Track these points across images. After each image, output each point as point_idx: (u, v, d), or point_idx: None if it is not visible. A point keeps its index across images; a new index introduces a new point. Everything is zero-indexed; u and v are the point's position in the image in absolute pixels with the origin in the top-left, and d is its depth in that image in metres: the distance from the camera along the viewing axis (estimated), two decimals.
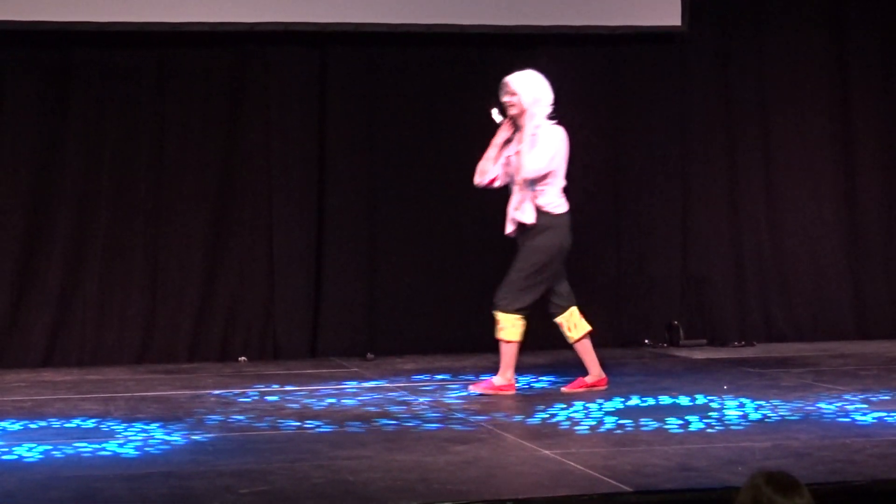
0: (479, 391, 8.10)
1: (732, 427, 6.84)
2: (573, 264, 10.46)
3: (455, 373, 9.04)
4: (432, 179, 10.21)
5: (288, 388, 8.46)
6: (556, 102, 8.17)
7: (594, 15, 10.30)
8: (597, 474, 5.68)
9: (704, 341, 10.41)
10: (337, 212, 10.19)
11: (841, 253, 10.76)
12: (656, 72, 10.59)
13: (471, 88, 10.38)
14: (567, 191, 8.15)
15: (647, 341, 10.42)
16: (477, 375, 8.70)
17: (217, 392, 8.32)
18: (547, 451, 6.23)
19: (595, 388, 8.14)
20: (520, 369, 8.79)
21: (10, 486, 5.65)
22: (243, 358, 9.93)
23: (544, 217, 8.01)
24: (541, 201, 8.01)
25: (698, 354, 9.94)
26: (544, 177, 7.99)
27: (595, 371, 8.23)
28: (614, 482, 5.53)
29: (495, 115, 8.18)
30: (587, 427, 6.91)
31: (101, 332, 9.81)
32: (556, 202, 8.04)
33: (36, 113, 9.80)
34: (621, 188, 10.56)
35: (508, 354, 8.10)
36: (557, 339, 10.23)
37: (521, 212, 8.03)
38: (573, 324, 8.19)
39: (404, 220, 10.16)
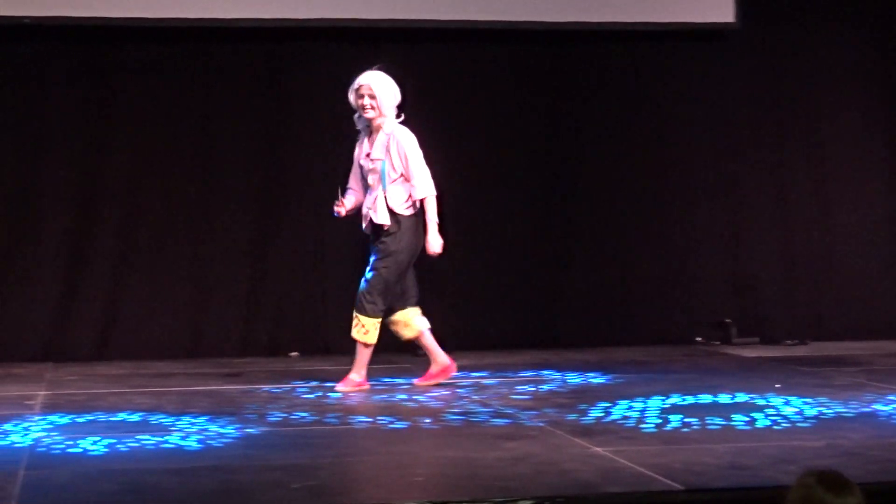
0: (339, 389, 8.15)
1: (784, 425, 6.79)
2: (623, 261, 10.47)
3: (506, 369, 9.01)
4: (466, 178, 10.17)
5: (338, 384, 8.46)
6: (404, 102, 8.27)
7: (645, 11, 10.23)
8: (647, 472, 5.65)
9: (756, 339, 10.34)
10: None
11: (892, 250, 10.67)
12: (703, 69, 10.52)
13: (521, 85, 10.37)
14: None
15: (698, 339, 10.37)
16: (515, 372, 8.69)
17: (267, 387, 8.35)
18: (597, 449, 6.21)
19: (444, 377, 8.25)
20: (570, 366, 8.78)
21: (63, 479, 5.69)
22: (294, 353, 9.97)
23: (396, 219, 8.11)
24: (393, 203, 8.11)
25: (749, 352, 9.89)
26: (398, 178, 8.11)
27: (440, 360, 8.30)
28: (665, 480, 5.50)
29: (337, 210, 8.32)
30: (638, 424, 6.88)
31: (151, 327, 9.86)
32: (409, 203, 8.13)
33: (81, 109, 9.84)
34: (670, 185, 10.50)
35: (366, 355, 8.19)
36: (605, 337, 10.25)
37: (374, 211, 8.14)
38: (406, 323, 8.27)
39: (458, 215, 10.06)
